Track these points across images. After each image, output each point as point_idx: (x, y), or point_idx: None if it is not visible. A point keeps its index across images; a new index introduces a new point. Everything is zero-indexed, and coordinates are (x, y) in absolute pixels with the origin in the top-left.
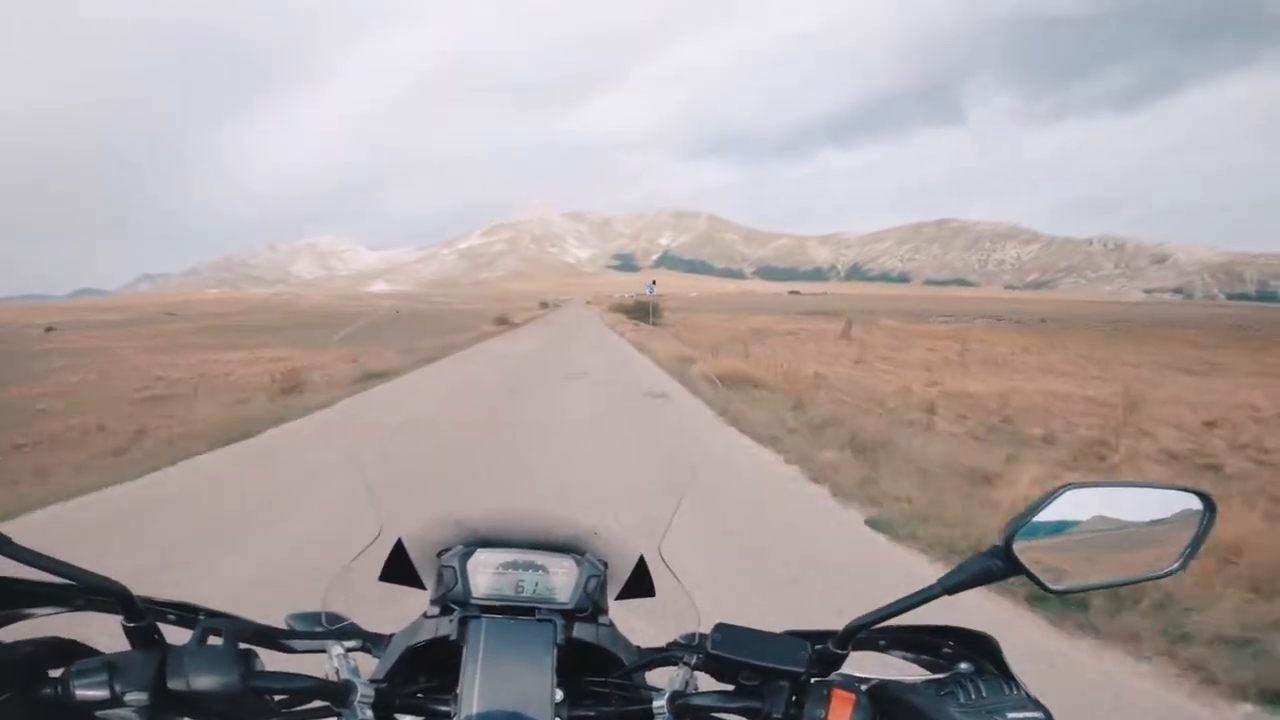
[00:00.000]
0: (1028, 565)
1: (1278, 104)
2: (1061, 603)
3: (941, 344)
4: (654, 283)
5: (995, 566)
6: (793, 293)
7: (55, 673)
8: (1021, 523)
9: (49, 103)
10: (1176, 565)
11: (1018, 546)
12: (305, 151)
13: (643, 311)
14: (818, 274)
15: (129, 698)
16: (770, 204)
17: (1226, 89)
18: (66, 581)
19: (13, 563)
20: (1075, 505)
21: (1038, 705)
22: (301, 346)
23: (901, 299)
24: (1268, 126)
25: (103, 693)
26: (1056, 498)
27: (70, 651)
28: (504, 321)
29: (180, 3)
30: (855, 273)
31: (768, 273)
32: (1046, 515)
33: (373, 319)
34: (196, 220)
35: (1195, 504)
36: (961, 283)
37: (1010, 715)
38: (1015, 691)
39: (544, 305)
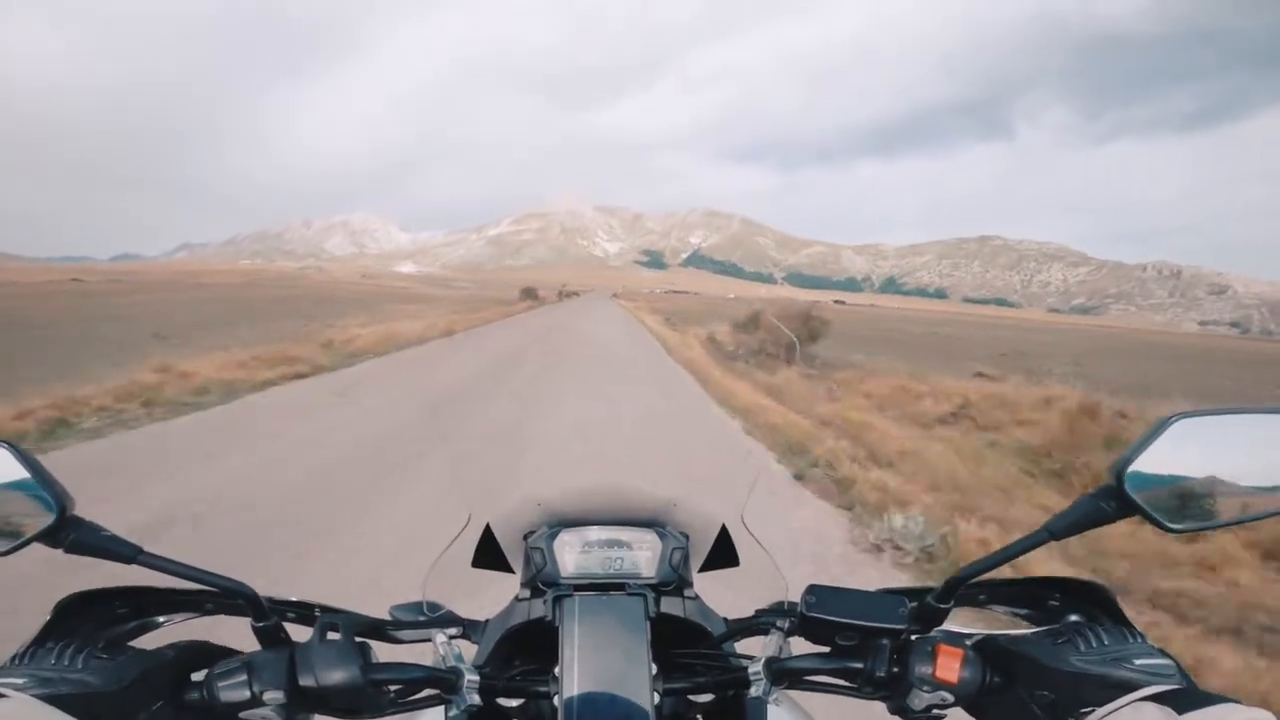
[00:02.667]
0: (1143, 504)
1: None
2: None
3: None
4: None
5: (1107, 507)
6: (838, 303)
7: (197, 676)
8: (1131, 458)
9: (101, 72)
10: None
11: (1130, 485)
12: (346, 129)
13: None
14: (851, 284)
15: (267, 696)
16: (804, 210)
17: None
18: (196, 588)
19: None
20: (1187, 436)
21: (1164, 654)
22: None
23: (955, 317)
24: None
25: (244, 693)
26: (1166, 429)
27: (206, 652)
28: None
29: None
30: (890, 285)
31: (799, 280)
32: (1158, 448)
33: None
34: (239, 192)
35: None
36: (1002, 302)
37: (1138, 663)
38: (1137, 641)
39: (529, 296)
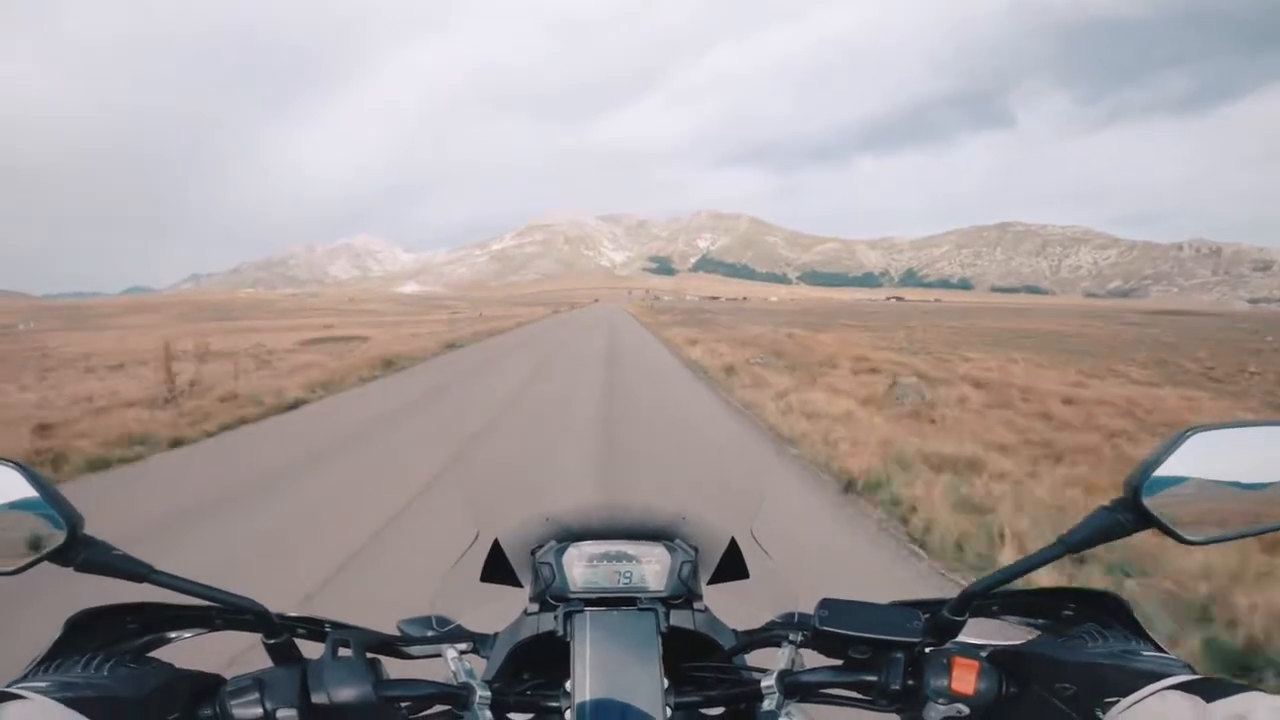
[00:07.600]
0: (1159, 516)
1: None
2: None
3: None
4: None
5: (1124, 519)
6: (895, 299)
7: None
8: (1148, 471)
9: (105, 106)
10: None
11: (1147, 497)
12: (346, 155)
13: None
14: (869, 279)
15: (280, 714)
16: (812, 209)
17: None
18: (208, 604)
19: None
20: (1203, 449)
21: (1177, 659)
22: None
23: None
24: None
25: (256, 710)
26: (1183, 442)
27: (220, 679)
28: None
29: (225, 11)
30: (910, 278)
31: (814, 278)
32: (1174, 461)
33: None
34: (244, 221)
35: None
36: (1033, 290)
37: (1149, 655)
38: (1152, 649)
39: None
